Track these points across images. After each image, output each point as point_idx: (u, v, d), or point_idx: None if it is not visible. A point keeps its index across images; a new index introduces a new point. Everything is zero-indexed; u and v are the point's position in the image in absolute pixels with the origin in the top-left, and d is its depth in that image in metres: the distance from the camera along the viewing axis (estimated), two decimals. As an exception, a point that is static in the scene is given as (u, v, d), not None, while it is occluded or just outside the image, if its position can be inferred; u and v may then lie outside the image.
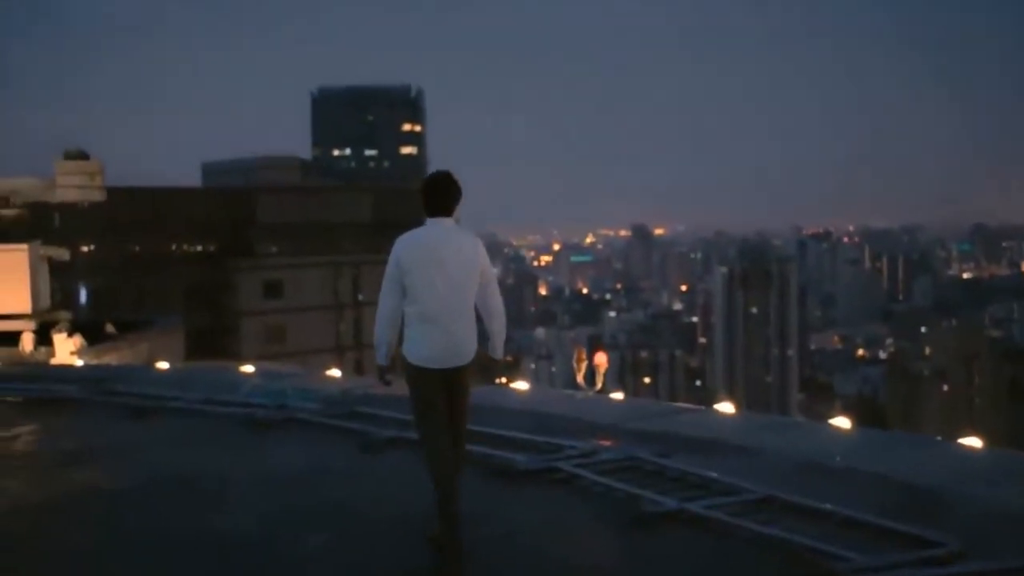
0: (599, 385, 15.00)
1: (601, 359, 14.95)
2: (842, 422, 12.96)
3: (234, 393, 15.21)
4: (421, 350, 7.99)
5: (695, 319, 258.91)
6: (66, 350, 24.53)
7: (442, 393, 8.08)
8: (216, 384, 16.56)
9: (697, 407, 14.69)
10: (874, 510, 8.58)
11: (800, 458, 10.88)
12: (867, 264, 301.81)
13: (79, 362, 23.36)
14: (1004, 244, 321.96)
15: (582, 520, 9.03)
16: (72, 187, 26.85)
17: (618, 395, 15.38)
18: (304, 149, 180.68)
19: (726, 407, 14.01)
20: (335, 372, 18.38)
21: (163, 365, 20.64)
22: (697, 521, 8.64)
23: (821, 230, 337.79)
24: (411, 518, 8.74)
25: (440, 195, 8.16)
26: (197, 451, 12.06)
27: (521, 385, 16.35)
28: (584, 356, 14.97)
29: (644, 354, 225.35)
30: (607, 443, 11.36)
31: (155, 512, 9.50)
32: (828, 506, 8.71)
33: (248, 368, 19.65)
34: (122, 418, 14.03)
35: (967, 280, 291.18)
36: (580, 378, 14.99)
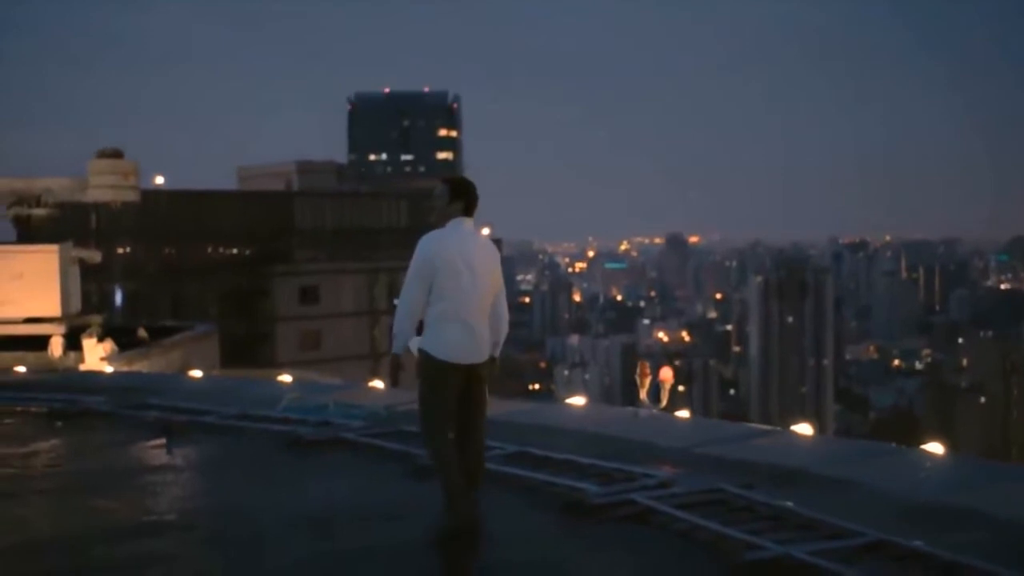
0: (664, 402, 13.91)
1: (667, 375, 13.82)
2: (934, 447, 11.86)
3: (272, 408, 14.20)
4: (448, 347, 8.06)
5: (729, 327, 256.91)
6: (96, 356, 23.60)
7: (457, 390, 8.15)
8: (253, 397, 15.63)
9: (772, 428, 13.58)
10: (1005, 560, 7.44)
11: (900, 492, 9.74)
12: (903, 275, 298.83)
13: (109, 369, 22.47)
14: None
15: (670, 566, 7.91)
16: (105, 187, 25.84)
17: (683, 413, 14.29)
18: (340, 154, 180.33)
19: (803, 429, 12.93)
20: (377, 384, 17.29)
21: (196, 374, 19.70)
22: (802, 569, 7.50)
23: (857, 240, 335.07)
24: (474, 556, 7.97)
25: (472, 198, 8.31)
26: (234, 476, 10.98)
27: (577, 400, 15.35)
28: (648, 371, 13.85)
29: (678, 363, 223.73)
30: (678, 471, 10.28)
31: (186, 553, 8.34)
32: (956, 557, 7.55)
33: (286, 378, 18.70)
34: (151, 435, 12.99)
35: (1005, 291, 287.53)
36: (644, 395, 13.89)
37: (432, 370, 8.07)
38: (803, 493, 9.51)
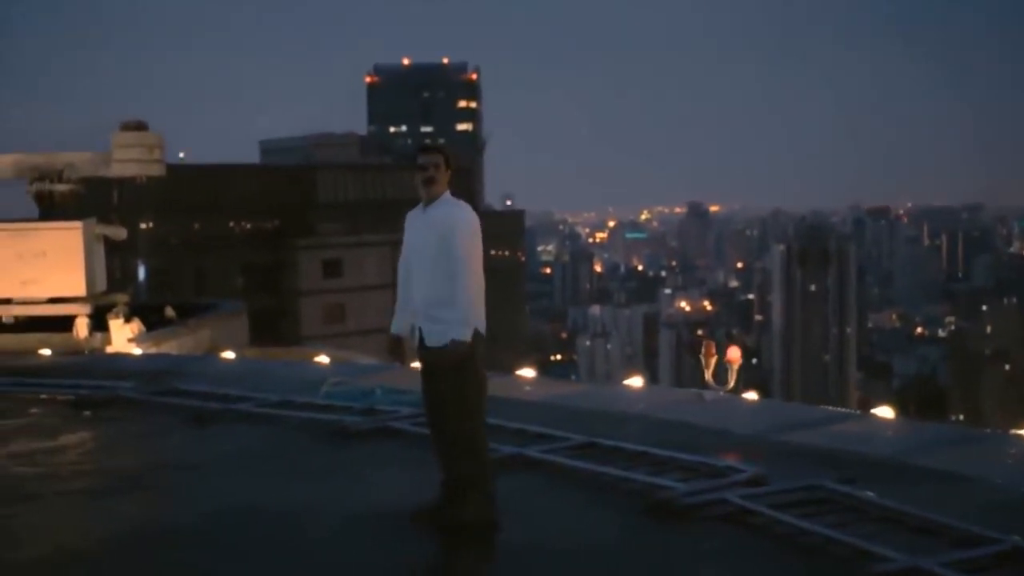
0: (731, 384, 13.03)
1: (735, 354, 12.95)
2: (1030, 431, 10.94)
3: (313, 393, 13.28)
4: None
5: (751, 296, 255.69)
6: (123, 337, 22.74)
7: None
8: (290, 381, 14.72)
9: (850, 412, 12.68)
10: None
11: (1010, 485, 8.85)
12: (926, 242, 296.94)
13: (137, 350, 21.64)
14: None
15: (785, 578, 7.04)
16: (130, 160, 24.96)
17: (751, 395, 13.42)
18: (360, 126, 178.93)
19: (884, 412, 12.03)
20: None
21: (229, 355, 18.84)
22: (936, 583, 6.60)
23: (879, 207, 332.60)
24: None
25: None
26: (278, 472, 9.99)
27: (635, 382, 14.46)
28: (714, 351, 12.96)
29: (700, 332, 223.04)
30: (763, 463, 9.32)
31: (229, 567, 7.44)
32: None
33: (323, 359, 17.82)
34: (184, 425, 12.09)
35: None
36: (709, 375, 13.02)
37: (484, 351, 7.52)
38: (907, 488, 8.63)
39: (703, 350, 13.07)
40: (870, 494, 8.20)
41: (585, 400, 13.09)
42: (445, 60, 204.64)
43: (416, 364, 7.93)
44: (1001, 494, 8.64)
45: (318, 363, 17.35)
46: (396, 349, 7.98)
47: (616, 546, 7.58)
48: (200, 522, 8.39)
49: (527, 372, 15.08)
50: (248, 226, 77.47)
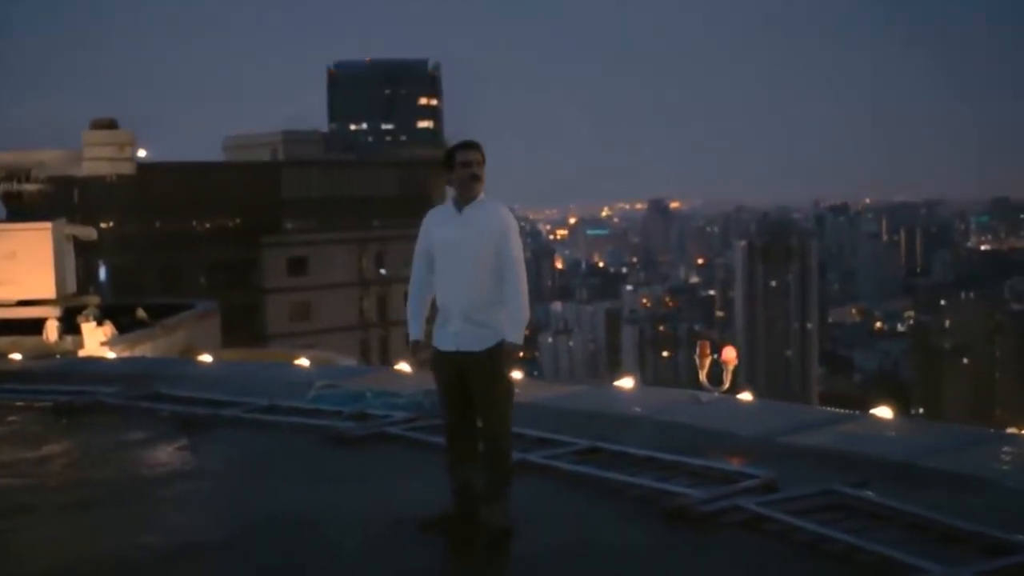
0: (726, 384, 12.86)
1: (730, 355, 12.77)
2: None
3: (300, 397, 12.96)
4: None
5: (712, 292, 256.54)
6: (95, 340, 22.33)
7: None
8: (275, 384, 14.42)
9: (851, 413, 12.47)
10: None
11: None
12: (885, 237, 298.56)
13: (111, 354, 21.26)
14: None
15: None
16: (101, 159, 24.61)
17: (746, 395, 13.23)
18: (321, 123, 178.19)
19: (883, 412, 11.84)
20: (404, 367, 15.95)
21: (207, 358, 18.50)
22: (972, 595, 6.42)
23: (839, 203, 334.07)
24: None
25: None
26: (271, 480, 9.67)
27: (626, 383, 14.24)
28: (708, 351, 12.81)
29: (662, 328, 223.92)
30: (772, 466, 9.11)
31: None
32: None
33: (304, 362, 17.51)
34: (172, 432, 11.71)
35: (987, 253, 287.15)
36: (704, 376, 12.85)
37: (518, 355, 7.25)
38: (920, 491, 8.44)
39: (698, 350, 12.91)
40: (886, 499, 8.01)
41: (580, 402, 12.88)
42: (407, 57, 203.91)
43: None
44: (1016, 497, 8.47)
45: (300, 366, 17.04)
46: (419, 352, 7.57)
47: (627, 554, 7.38)
48: (195, 533, 8.12)
49: (513, 373, 14.79)
50: (212, 225, 76.84)
